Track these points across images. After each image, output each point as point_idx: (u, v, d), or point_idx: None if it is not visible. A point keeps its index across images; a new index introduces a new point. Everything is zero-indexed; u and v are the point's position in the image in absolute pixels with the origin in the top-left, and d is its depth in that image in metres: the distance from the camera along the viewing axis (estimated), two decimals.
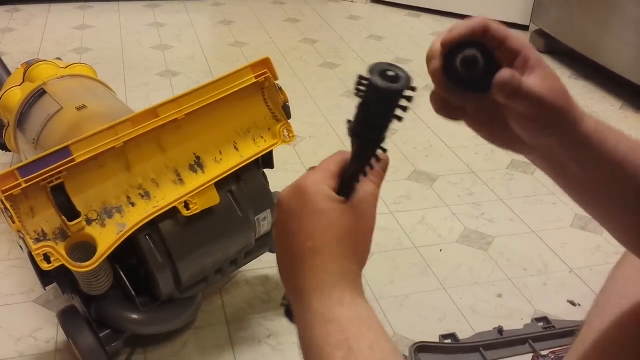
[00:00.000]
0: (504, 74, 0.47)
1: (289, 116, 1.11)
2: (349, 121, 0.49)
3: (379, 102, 0.46)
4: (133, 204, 0.96)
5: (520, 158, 0.85)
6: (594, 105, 2.22)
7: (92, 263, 0.88)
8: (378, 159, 0.51)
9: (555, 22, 2.59)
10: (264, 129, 1.10)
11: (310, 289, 0.48)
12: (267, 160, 1.16)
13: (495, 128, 0.53)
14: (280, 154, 1.18)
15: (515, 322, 1.22)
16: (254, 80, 1.07)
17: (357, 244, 0.50)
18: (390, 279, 1.32)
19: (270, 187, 1.15)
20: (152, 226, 0.99)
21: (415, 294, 1.29)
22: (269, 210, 1.13)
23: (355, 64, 2.51)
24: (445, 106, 0.53)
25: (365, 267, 0.51)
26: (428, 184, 1.70)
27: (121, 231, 0.94)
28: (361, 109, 0.48)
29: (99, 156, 0.94)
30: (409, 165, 1.79)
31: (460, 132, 1.88)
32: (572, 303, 1.28)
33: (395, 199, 1.63)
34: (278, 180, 1.13)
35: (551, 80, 0.48)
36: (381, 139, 0.49)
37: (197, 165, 1.03)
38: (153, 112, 0.98)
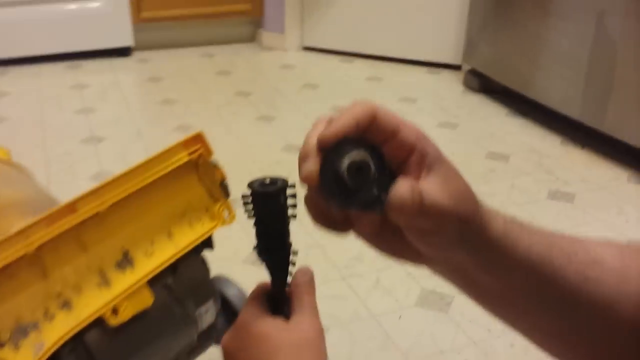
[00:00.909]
0: (402, 190, 0.38)
1: (227, 194, 1.01)
2: (255, 247, 0.51)
3: (265, 208, 0.49)
4: (52, 317, 0.83)
5: None
6: (534, 143, 2.21)
7: None
8: (294, 264, 0.53)
9: (488, 60, 2.60)
10: (200, 210, 0.99)
11: None
12: (206, 241, 1.05)
13: (389, 241, 0.45)
14: None
15: None
16: (187, 159, 0.96)
17: (311, 356, 0.49)
18: (349, 356, 1.21)
19: (211, 268, 1.04)
20: (76, 339, 0.85)
21: None
22: (211, 301, 1.01)
23: (292, 114, 2.43)
24: (324, 216, 0.43)
25: None
26: None
27: (39, 352, 0.80)
28: (256, 225, 0.50)
29: (8, 266, 0.80)
30: None
31: None
32: None
33: (346, 261, 1.53)
34: (219, 250, 1.02)
35: (453, 181, 0.41)
36: (285, 245, 0.51)
37: (126, 261, 0.91)
38: (70, 207, 0.86)
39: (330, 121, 0.40)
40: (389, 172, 0.40)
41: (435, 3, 2.86)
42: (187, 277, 0.98)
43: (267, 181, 0.49)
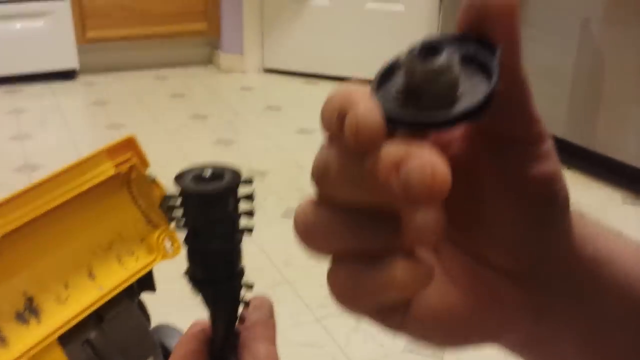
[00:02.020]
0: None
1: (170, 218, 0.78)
2: (186, 273, 0.34)
3: (204, 217, 0.32)
4: None
5: None
6: None
7: None
8: (247, 304, 0.35)
9: None
10: (134, 240, 0.77)
11: None
12: (145, 281, 0.82)
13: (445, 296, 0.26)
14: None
15: None
16: (114, 172, 0.73)
17: None
18: None
19: (154, 317, 0.81)
20: None
21: None
22: (151, 358, 0.78)
23: (253, 138, 2.22)
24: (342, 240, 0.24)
25: None
26: None
27: None
28: (189, 241, 0.32)
29: None
30: None
31: None
32: None
33: (320, 300, 1.31)
34: (165, 291, 0.79)
35: None
36: (234, 272, 0.33)
37: (29, 311, 0.67)
38: None
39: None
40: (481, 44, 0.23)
41: (403, 19, 2.71)
42: (117, 329, 0.74)
43: (208, 174, 0.32)
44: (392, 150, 0.21)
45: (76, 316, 0.69)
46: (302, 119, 2.38)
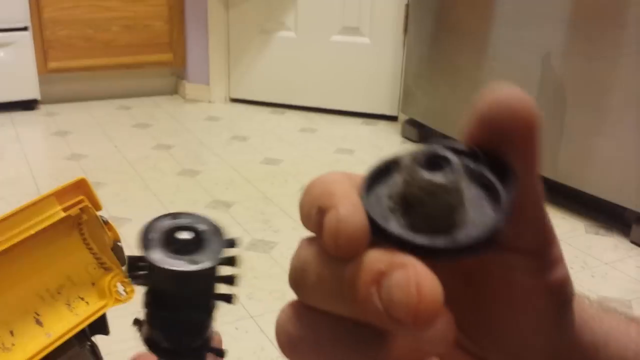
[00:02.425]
0: None
1: (122, 261, 0.76)
2: (137, 321, 0.32)
3: (177, 289, 0.28)
4: None
5: None
6: None
7: None
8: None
9: (427, 110, 2.47)
10: (84, 284, 0.73)
11: None
12: (97, 324, 0.79)
13: None
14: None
15: None
16: (63, 215, 0.70)
17: None
18: None
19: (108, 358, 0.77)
20: None
21: None
22: None
23: (219, 168, 2.20)
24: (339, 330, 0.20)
25: None
26: None
27: None
28: (154, 306, 0.29)
29: None
30: None
31: None
32: None
33: None
34: (120, 331, 0.76)
35: None
36: (202, 341, 0.31)
37: None
38: None
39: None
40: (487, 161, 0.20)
41: (369, 51, 2.74)
42: None
43: (186, 236, 0.28)
44: (373, 259, 0.18)
45: None
46: (269, 149, 2.38)
